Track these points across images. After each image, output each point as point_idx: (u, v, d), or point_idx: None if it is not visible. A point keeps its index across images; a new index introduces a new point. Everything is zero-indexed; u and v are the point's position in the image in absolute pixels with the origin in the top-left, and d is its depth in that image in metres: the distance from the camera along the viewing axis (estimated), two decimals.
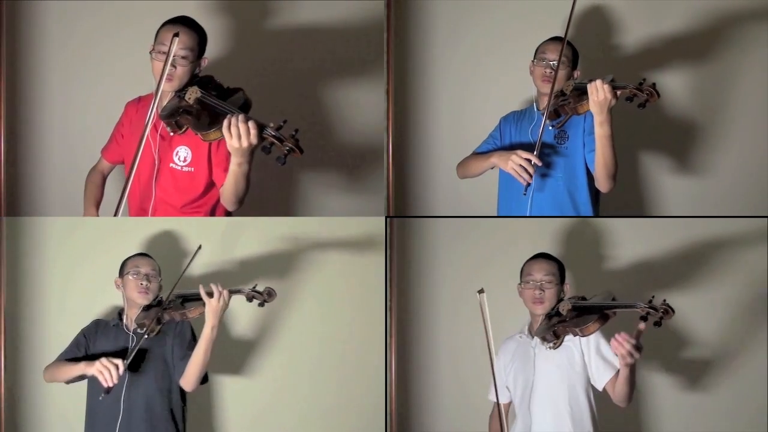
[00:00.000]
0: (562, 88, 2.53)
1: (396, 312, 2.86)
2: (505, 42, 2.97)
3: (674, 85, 2.90)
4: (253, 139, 2.09)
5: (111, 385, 2.27)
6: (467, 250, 2.93)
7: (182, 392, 2.47)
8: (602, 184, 2.49)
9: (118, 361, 2.29)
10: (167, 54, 2.27)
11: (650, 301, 2.25)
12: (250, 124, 2.08)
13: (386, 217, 2.84)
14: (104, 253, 2.71)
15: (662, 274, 2.84)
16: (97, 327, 2.51)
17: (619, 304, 2.31)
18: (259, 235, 2.79)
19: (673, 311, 2.23)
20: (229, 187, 2.28)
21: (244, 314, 2.75)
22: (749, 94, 2.95)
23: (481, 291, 2.36)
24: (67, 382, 2.43)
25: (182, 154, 2.43)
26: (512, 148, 2.61)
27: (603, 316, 2.30)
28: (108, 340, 2.46)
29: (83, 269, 2.74)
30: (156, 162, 2.43)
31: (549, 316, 2.46)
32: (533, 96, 2.68)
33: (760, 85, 2.95)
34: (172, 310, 2.39)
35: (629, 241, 2.88)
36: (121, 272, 2.50)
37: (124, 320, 2.49)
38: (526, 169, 2.46)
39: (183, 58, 2.32)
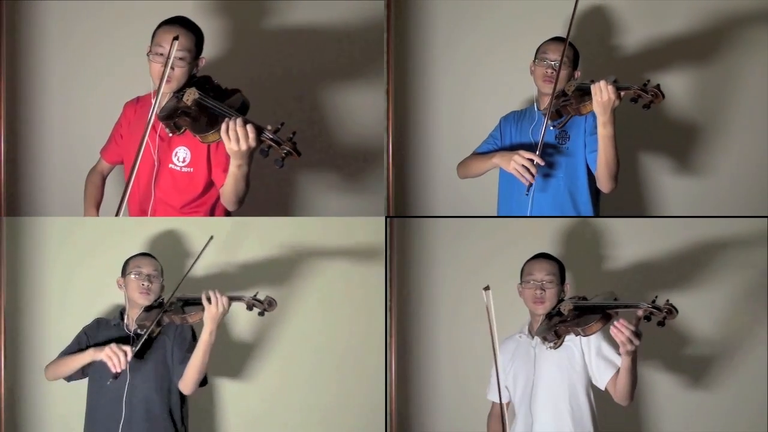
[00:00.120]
0: (564, 88, 2.53)
1: (396, 312, 2.86)
2: (505, 42, 2.97)
3: (674, 85, 2.90)
4: (252, 143, 2.10)
5: (119, 370, 2.31)
6: (467, 250, 2.93)
7: (182, 393, 2.47)
8: (604, 184, 2.49)
9: (127, 348, 2.32)
10: (167, 57, 2.27)
11: (653, 301, 2.25)
12: (248, 127, 2.09)
13: (386, 217, 2.84)
14: (104, 253, 2.71)
15: (662, 274, 2.84)
16: (98, 325, 2.51)
17: (622, 303, 2.31)
18: (258, 235, 2.79)
19: (677, 311, 2.23)
20: (229, 188, 2.29)
21: (244, 314, 2.74)
22: (749, 95, 2.95)
23: (486, 288, 2.36)
24: (68, 379, 2.44)
25: (181, 155, 2.43)
26: (512, 148, 2.61)
27: (605, 315, 2.30)
28: (109, 340, 2.45)
29: (83, 269, 2.74)
30: (155, 163, 2.43)
31: (549, 316, 2.46)
32: (534, 96, 2.68)
33: (760, 85, 2.95)
34: (172, 314, 2.39)
35: (629, 241, 2.88)
36: (123, 272, 2.50)
37: (125, 320, 2.49)
38: (528, 169, 2.46)
39: (180, 59, 2.32)
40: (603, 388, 2.42)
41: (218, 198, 2.44)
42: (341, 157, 2.97)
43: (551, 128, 2.55)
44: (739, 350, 2.84)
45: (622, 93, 2.33)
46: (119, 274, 2.51)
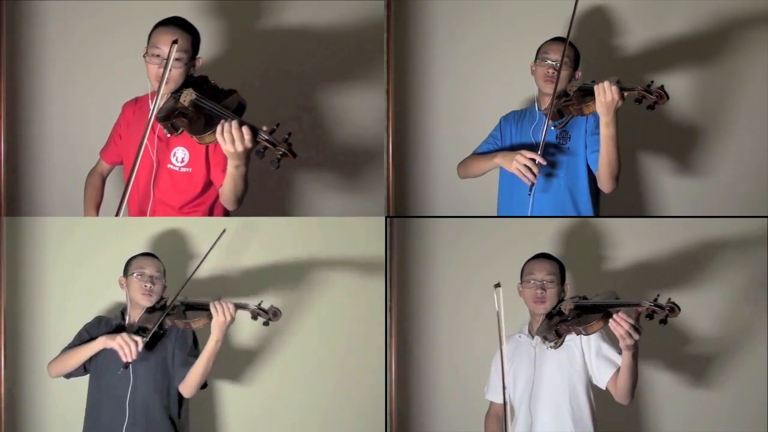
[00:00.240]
0: (565, 88, 2.53)
1: (396, 312, 2.86)
2: (505, 42, 2.97)
3: (674, 86, 2.89)
4: (247, 144, 2.11)
5: (130, 360, 2.32)
6: (467, 250, 2.93)
7: (182, 396, 2.47)
8: (605, 184, 2.49)
9: (138, 338, 2.33)
10: (166, 61, 2.28)
11: (655, 300, 2.25)
12: (244, 129, 2.10)
13: (386, 217, 2.84)
14: (104, 253, 2.71)
15: (662, 275, 2.84)
16: (99, 323, 2.50)
17: (624, 302, 2.30)
18: (258, 235, 2.79)
19: (679, 309, 2.23)
20: (227, 188, 2.30)
21: (244, 315, 2.74)
22: (749, 95, 2.96)
23: (497, 285, 2.36)
24: (68, 376, 2.43)
25: (180, 155, 2.43)
26: (512, 148, 2.61)
27: (606, 314, 2.30)
28: None
29: (83, 269, 2.74)
30: (154, 163, 2.43)
31: (550, 316, 2.47)
32: (534, 96, 2.68)
33: (760, 86, 2.95)
34: (175, 318, 2.38)
35: (629, 241, 2.88)
36: (126, 272, 2.49)
37: (127, 320, 2.48)
38: (530, 169, 2.46)
39: (177, 59, 2.32)
40: (603, 388, 2.42)
41: (217, 198, 2.44)
42: (341, 157, 2.97)
43: (552, 128, 2.55)
44: (740, 349, 2.84)
45: (626, 94, 2.33)
46: (119, 273, 2.50)
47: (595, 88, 2.34)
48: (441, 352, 2.92)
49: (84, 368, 2.43)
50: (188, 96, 2.26)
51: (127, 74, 2.76)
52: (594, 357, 2.43)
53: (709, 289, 2.84)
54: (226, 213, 2.52)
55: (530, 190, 2.50)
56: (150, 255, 2.52)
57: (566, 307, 2.41)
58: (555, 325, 2.41)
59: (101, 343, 2.36)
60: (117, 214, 2.32)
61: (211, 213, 2.50)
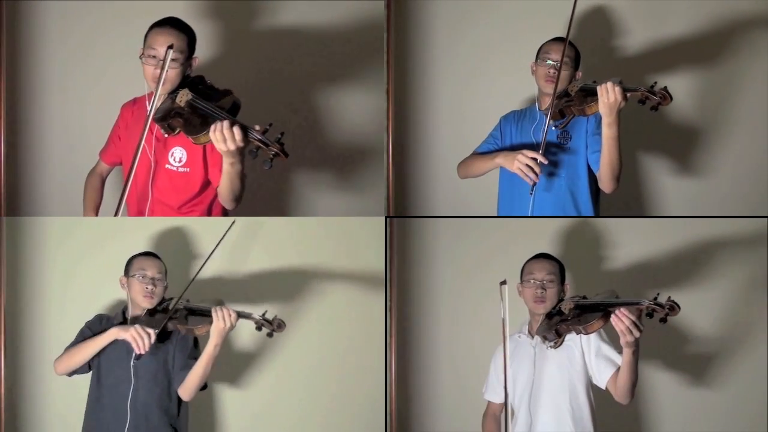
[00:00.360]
0: (567, 88, 2.53)
1: (396, 312, 2.86)
2: (505, 42, 2.97)
3: (674, 86, 2.87)
4: (239, 143, 2.13)
5: (143, 352, 2.32)
6: (467, 250, 2.93)
7: (181, 399, 2.47)
8: (606, 184, 2.49)
9: (151, 330, 2.33)
10: (162, 64, 2.29)
11: (655, 298, 2.25)
12: (235, 129, 2.12)
13: (386, 217, 2.84)
14: (104, 253, 2.71)
15: (662, 274, 2.84)
16: (100, 321, 2.49)
17: (624, 301, 2.30)
18: (258, 235, 2.79)
19: (679, 307, 2.23)
20: (224, 187, 2.30)
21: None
22: (749, 96, 2.96)
23: (503, 282, 2.36)
24: (70, 374, 2.42)
25: (177, 155, 2.44)
26: (513, 148, 2.61)
27: (607, 314, 2.30)
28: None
29: (83, 269, 2.74)
30: (152, 164, 2.44)
31: (550, 315, 2.47)
32: (535, 96, 2.68)
33: (760, 86, 2.95)
34: (177, 323, 2.38)
35: (629, 241, 2.88)
36: (127, 271, 2.48)
37: (128, 320, 2.48)
38: (532, 169, 2.46)
39: (173, 60, 2.33)
40: (603, 387, 2.42)
41: (215, 197, 2.45)
42: (341, 157, 2.97)
43: (553, 128, 2.55)
44: (740, 349, 2.84)
45: (629, 94, 2.33)
46: (119, 273, 2.50)
47: (598, 88, 2.34)
48: (441, 352, 2.92)
49: (88, 365, 2.43)
50: (184, 96, 2.28)
51: (128, 74, 2.75)
52: (594, 357, 2.43)
53: (709, 289, 2.84)
54: (225, 213, 2.53)
55: (532, 190, 2.51)
56: (151, 255, 2.51)
57: (566, 306, 2.41)
58: (555, 325, 2.41)
59: (113, 334, 2.37)
60: (116, 214, 2.32)
61: (209, 212, 2.51)
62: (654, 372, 2.84)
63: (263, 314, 2.34)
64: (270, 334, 2.34)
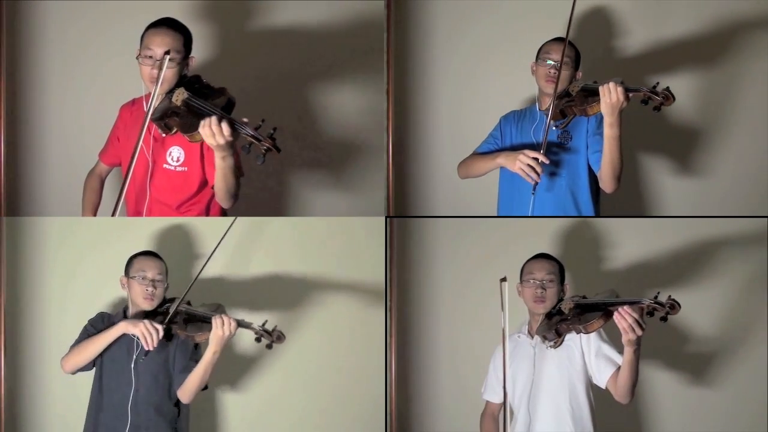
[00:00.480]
0: (568, 88, 2.53)
1: (396, 312, 2.86)
2: (505, 42, 2.97)
3: (674, 87, 2.87)
4: (228, 137, 2.15)
5: (151, 348, 2.33)
6: (467, 250, 2.93)
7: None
8: (607, 184, 2.49)
9: (159, 326, 2.34)
10: (159, 68, 2.30)
11: (656, 297, 2.25)
12: (223, 124, 2.15)
13: (386, 217, 2.84)
14: (104, 253, 2.71)
15: (662, 275, 2.84)
16: (102, 320, 2.49)
17: (624, 300, 2.30)
18: (257, 235, 2.79)
19: (679, 306, 2.24)
20: (219, 183, 2.31)
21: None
22: (749, 96, 2.96)
23: (503, 279, 2.36)
24: (72, 373, 2.42)
25: (175, 154, 2.45)
26: (513, 148, 2.61)
27: (607, 313, 2.30)
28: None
29: (83, 269, 2.74)
30: (150, 163, 2.45)
31: (550, 315, 2.47)
32: (535, 96, 2.68)
33: (760, 86, 2.95)
34: (177, 327, 2.37)
35: (629, 241, 2.88)
36: (127, 271, 2.48)
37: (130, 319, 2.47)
38: (534, 169, 2.46)
39: (170, 59, 2.34)
40: (604, 387, 2.42)
41: (213, 196, 2.45)
42: (341, 157, 2.97)
43: (554, 128, 2.55)
44: (740, 348, 2.84)
45: (631, 95, 2.33)
46: (120, 273, 2.50)
47: (600, 88, 2.34)
48: (441, 352, 2.92)
49: (93, 362, 2.42)
50: (180, 95, 2.29)
51: (127, 75, 2.76)
52: (594, 357, 2.43)
53: (709, 289, 2.84)
54: (224, 212, 2.53)
55: (534, 190, 2.51)
56: (152, 255, 2.51)
57: (566, 306, 2.42)
58: (555, 324, 2.41)
59: (122, 328, 2.37)
60: (113, 214, 2.33)
61: (207, 212, 2.51)
62: (654, 371, 2.84)
63: (263, 324, 2.33)
64: (269, 346, 2.33)
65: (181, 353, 2.44)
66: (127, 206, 2.50)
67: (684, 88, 2.92)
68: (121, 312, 2.50)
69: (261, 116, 2.20)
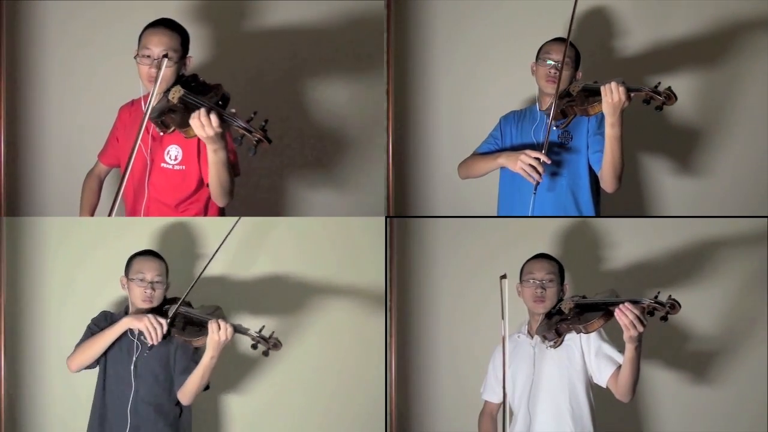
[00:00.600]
0: (568, 88, 2.53)
1: (396, 312, 2.86)
2: (505, 42, 2.97)
3: (674, 87, 2.88)
4: (216, 128, 2.18)
5: (155, 343, 2.35)
6: (467, 250, 2.93)
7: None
8: (608, 184, 2.49)
9: (163, 321, 2.35)
10: (157, 73, 2.32)
11: (656, 297, 2.25)
12: (212, 115, 2.17)
13: (386, 217, 2.84)
14: (104, 253, 2.71)
15: (663, 275, 2.84)
16: (105, 319, 2.49)
17: (624, 300, 2.30)
18: (257, 236, 2.79)
19: (680, 305, 2.24)
20: (212, 178, 2.32)
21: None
22: (749, 96, 2.96)
23: (503, 276, 2.36)
24: (76, 370, 2.42)
25: (173, 153, 2.46)
26: (513, 148, 2.62)
27: (607, 312, 2.31)
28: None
29: (83, 269, 2.74)
30: (148, 162, 2.46)
31: (549, 315, 2.47)
32: (535, 96, 2.68)
33: (760, 87, 2.95)
34: (175, 331, 2.38)
35: (629, 241, 2.88)
36: (127, 272, 2.47)
37: None
38: (536, 168, 2.46)
39: (168, 59, 2.35)
40: (604, 385, 2.42)
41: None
42: (341, 156, 2.97)
43: (554, 128, 2.55)
44: (740, 347, 2.84)
45: (632, 94, 2.33)
46: (119, 273, 2.49)
47: (602, 88, 2.34)
48: (441, 352, 2.92)
49: (97, 360, 2.42)
50: (176, 93, 2.30)
51: (127, 75, 2.76)
52: (594, 357, 2.43)
53: (710, 288, 2.84)
54: (222, 212, 2.54)
55: (535, 190, 2.51)
56: (152, 255, 2.50)
57: (566, 306, 2.42)
58: (555, 324, 2.41)
59: (126, 323, 2.38)
60: (110, 214, 2.34)
61: (206, 210, 2.52)
62: (654, 370, 2.84)
63: (260, 330, 2.33)
64: (266, 353, 2.33)
65: (182, 354, 2.44)
66: (125, 205, 2.51)
67: (684, 88, 2.92)
68: (122, 312, 2.50)
69: (260, 116, 2.20)
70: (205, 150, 2.39)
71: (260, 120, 2.19)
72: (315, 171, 2.97)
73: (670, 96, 2.35)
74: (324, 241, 2.82)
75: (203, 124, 2.17)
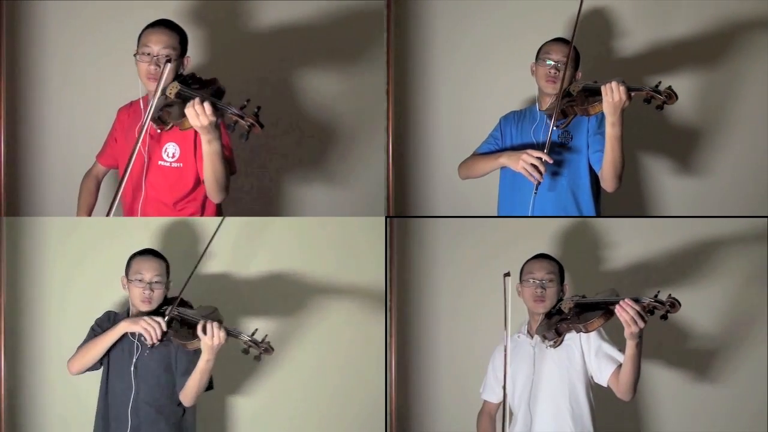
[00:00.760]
0: (568, 88, 2.53)
1: (396, 312, 2.86)
2: (505, 42, 2.97)
3: (674, 86, 2.89)
4: (210, 116, 2.19)
5: (155, 341, 2.35)
6: (467, 250, 2.93)
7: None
8: (609, 183, 2.49)
9: (160, 319, 2.36)
10: (158, 80, 2.33)
11: (656, 296, 2.26)
12: (205, 103, 2.19)
13: (386, 217, 2.84)
14: (104, 253, 2.71)
15: (662, 274, 2.84)
16: (108, 319, 2.49)
17: (624, 299, 2.30)
18: (256, 236, 2.79)
19: (680, 304, 2.24)
20: (207, 171, 2.33)
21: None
22: (749, 96, 2.96)
23: (507, 274, 2.36)
24: (76, 372, 2.42)
25: (171, 150, 2.46)
26: (513, 148, 2.62)
27: (607, 311, 2.31)
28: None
29: (83, 269, 2.74)
30: (145, 159, 2.46)
31: (549, 315, 2.47)
32: (535, 96, 2.68)
33: (760, 87, 2.95)
34: (173, 332, 2.37)
35: (629, 241, 2.88)
36: (127, 272, 2.47)
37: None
38: (537, 168, 2.46)
39: (167, 57, 2.38)
40: (605, 384, 2.42)
41: None
42: (341, 156, 2.97)
43: (555, 128, 2.55)
44: (741, 346, 2.85)
45: (633, 94, 2.33)
46: (120, 273, 2.48)
47: (603, 88, 2.34)
48: (441, 352, 2.92)
49: (100, 362, 2.42)
50: (173, 89, 2.32)
51: (127, 75, 2.76)
52: (594, 356, 2.43)
53: (710, 287, 2.84)
54: (219, 211, 2.54)
55: (536, 189, 2.51)
56: (151, 255, 2.48)
57: (566, 305, 2.42)
58: (555, 324, 2.41)
59: (123, 327, 2.38)
60: (108, 214, 2.34)
61: (203, 209, 2.52)
62: (655, 369, 2.84)
63: (252, 334, 2.32)
64: (258, 358, 2.32)
65: (183, 354, 2.43)
66: (123, 205, 2.50)
67: (684, 88, 2.92)
68: (125, 313, 2.49)
69: (260, 117, 2.21)
70: (201, 146, 2.40)
71: (253, 107, 2.21)
72: (315, 171, 2.97)
73: (671, 95, 2.35)
74: (324, 241, 2.82)
75: (197, 112, 2.19)
